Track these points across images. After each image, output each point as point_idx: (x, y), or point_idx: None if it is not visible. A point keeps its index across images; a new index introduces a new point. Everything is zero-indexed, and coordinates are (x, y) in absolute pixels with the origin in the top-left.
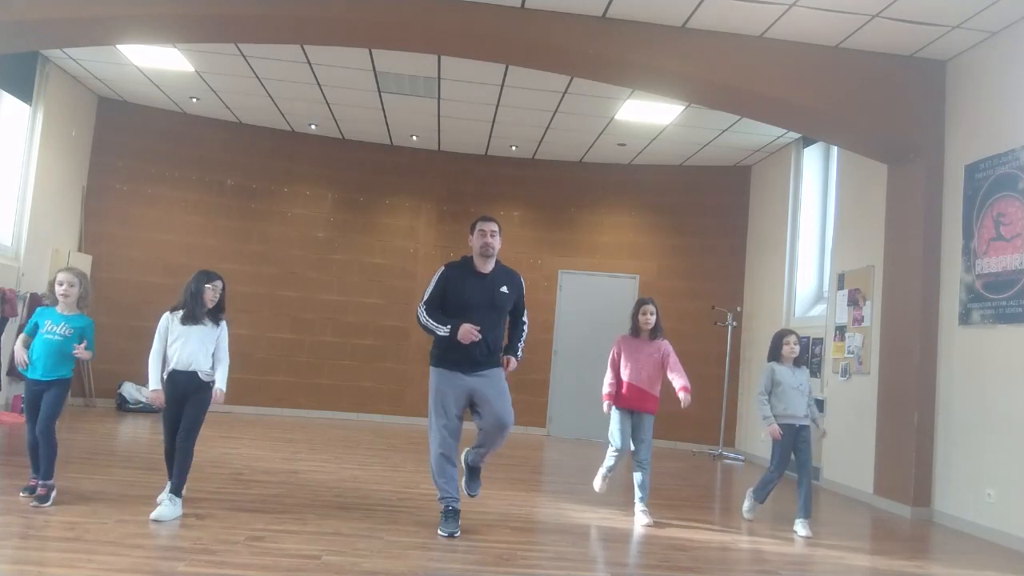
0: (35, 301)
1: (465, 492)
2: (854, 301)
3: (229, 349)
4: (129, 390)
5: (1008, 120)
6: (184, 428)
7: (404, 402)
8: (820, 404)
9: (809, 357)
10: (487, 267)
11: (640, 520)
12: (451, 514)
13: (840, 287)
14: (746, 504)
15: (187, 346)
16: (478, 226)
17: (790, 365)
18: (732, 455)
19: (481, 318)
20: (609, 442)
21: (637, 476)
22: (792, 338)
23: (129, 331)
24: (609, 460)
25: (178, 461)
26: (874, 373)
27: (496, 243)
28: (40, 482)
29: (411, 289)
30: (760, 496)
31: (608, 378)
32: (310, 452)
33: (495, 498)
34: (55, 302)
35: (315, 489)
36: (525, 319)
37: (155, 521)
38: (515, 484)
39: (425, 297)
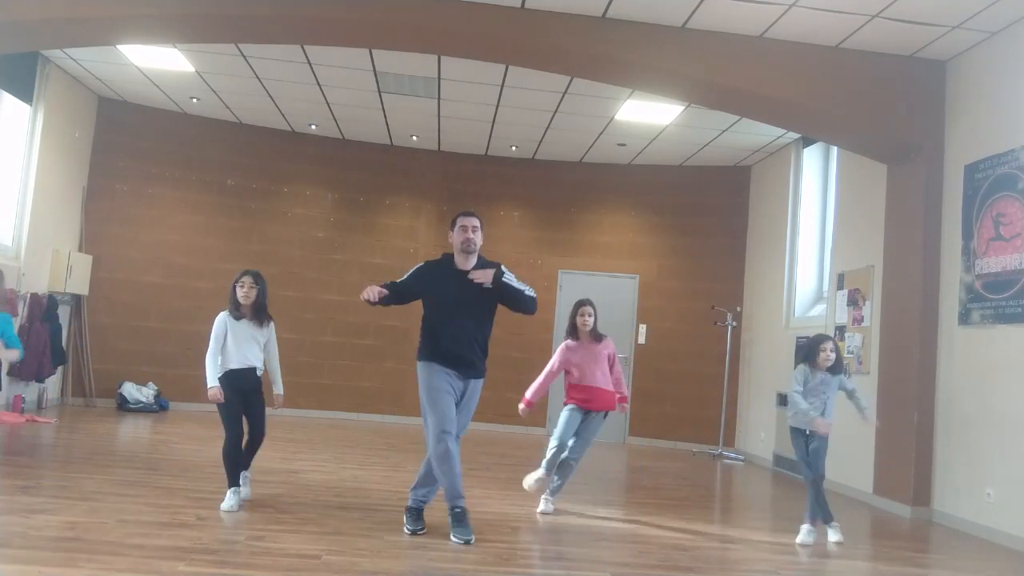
0: (35, 301)
1: (407, 527)
2: (854, 301)
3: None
4: (129, 390)
5: (1008, 120)
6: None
7: (404, 402)
8: None
9: None
10: (468, 263)
11: (539, 506)
12: (460, 515)
13: (840, 287)
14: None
15: (238, 344)
16: (459, 221)
17: (823, 372)
18: (732, 455)
19: (465, 315)
20: (551, 436)
21: (564, 468)
22: (829, 344)
23: (129, 331)
24: (548, 454)
25: None
26: (874, 373)
27: (478, 239)
28: None
29: None
30: (823, 514)
31: (537, 382)
32: (310, 452)
33: (495, 498)
34: None
35: (315, 489)
36: (520, 285)
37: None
38: (515, 484)
39: (394, 280)
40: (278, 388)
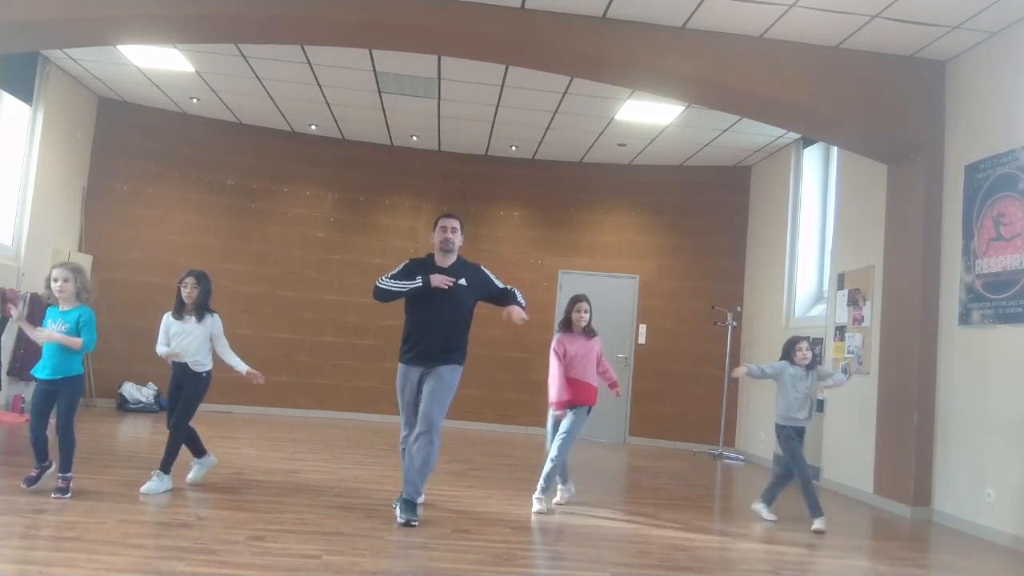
0: (35, 301)
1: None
2: (854, 301)
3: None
4: (129, 390)
5: (1008, 120)
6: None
7: None
8: (820, 404)
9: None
10: (447, 261)
11: (533, 506)
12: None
13: (840, 287)
14: (764, 513)
15: (177, 341)
16: (440, 222)
17: (802, 370)
18: (732, 455)
19: (438, 310)
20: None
21: (547, 466)
22: (804, 344)
23: (129, 331)
24: (548, 467)
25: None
26: (874, 373)
27: (456, 239)
28: (59, 475)
29: None
30: (812, 505)
31: (557, 381)
32: (310, 452)
33: (495, 498)
34: (54, 300)
35: (315, 489)
36: (504, 286)
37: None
38: (515, 484)
39: (386, 274)
40: (240, 368)
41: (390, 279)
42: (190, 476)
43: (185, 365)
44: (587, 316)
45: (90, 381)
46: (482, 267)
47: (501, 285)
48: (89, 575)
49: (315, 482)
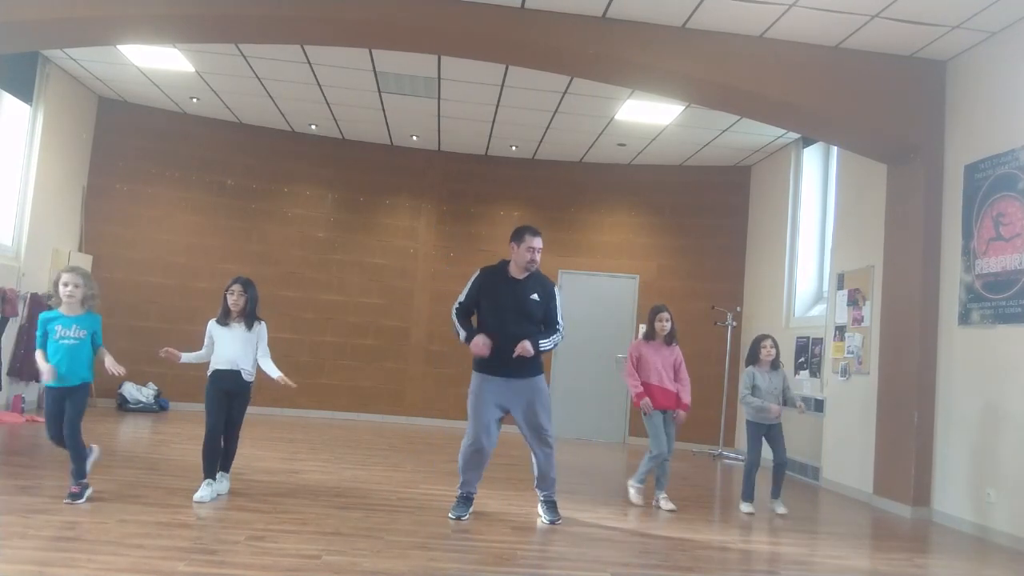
0: (35, 301)
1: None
2: (854, 301)
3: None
4: (129, 390)
5: (1008, 120)
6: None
7: (404, 402)
8: (821, 404)
9: (809, 357)
10: (522, 274)
11: (665, 505)
12: (461, 500)
13: (840, 287)
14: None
15: (224, 348)
16: (528, 240)
17: (767, 368)
18: (732, 455)
19: (508, 322)
20: (649, 448)
21: (663, 467)
22: (768, 342)
23: (129, 331)
24: (648, 465)
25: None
26: (874, 373)
27: (539, 259)
28: (72, 483)
29: (411, 289)
30: (748, 491)
31: (632, 379)
32: (310, 452)
33: (495, 498)
34: (60, 303)
35: (315, 489)
36: (560, 325)
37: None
38: (515, 484)
39: (460, 299)
40: (273, 374)
41: (460, 307)
42: (200, 494)
43: (238, 373)
44: (668, 325)
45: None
46: (555, 288)
47: (560, 319)
48: (89, 575)
49: (315, 482)
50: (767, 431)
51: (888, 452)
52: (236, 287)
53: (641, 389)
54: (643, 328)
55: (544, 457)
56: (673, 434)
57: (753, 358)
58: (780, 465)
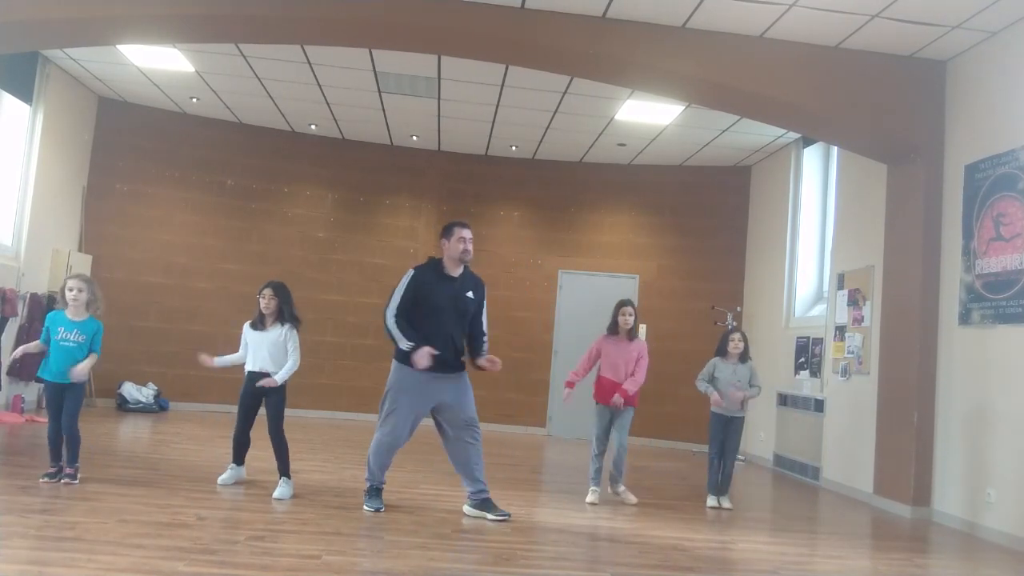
0: (35, 301)
1: (493, 516)
2: (854, 301)
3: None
4: (129, 390)
5: (1008, 120)
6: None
7: None
8: (821, 404)
9: (809, 357)
10: (457, 271)
11: (628, 499)
12: (375, 492)
13: (840, 287)
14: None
15: (255, 350)
16: (457, 232)
17: (734, 361)
18: None
19: (446, 323)
20: (591, 443)
21: (617, 463)
22: (736, 335)
23: (129, 331)
24: (594, 464)
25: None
26: (874, 373)
27: (471, 249)
28: (67, 466)
29: None
30: (712, 485)
31: (577, 367)
32: (310, 452)
33: (495, 498)
34: (63, 304)
35: (315, 489)
36: (485, 330)
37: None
38: (515, 484)
39: (395, 302)
40: (284, 376)
41: (397, 311)
42: (223, 477)
43: (268, 375)
44: (631, 320)
45: (90, 381)
46: (484, 286)
47: (486, 327)
48: (89, 575)
49: (315, 482)
50: (727, 423)
51: (888, 452)
52: (267, 291)
53: (576, 376)
54: (644, 328)
55: (478, 448)
56: (626, 426)
57: (722, 351)
58: (729, 460)
